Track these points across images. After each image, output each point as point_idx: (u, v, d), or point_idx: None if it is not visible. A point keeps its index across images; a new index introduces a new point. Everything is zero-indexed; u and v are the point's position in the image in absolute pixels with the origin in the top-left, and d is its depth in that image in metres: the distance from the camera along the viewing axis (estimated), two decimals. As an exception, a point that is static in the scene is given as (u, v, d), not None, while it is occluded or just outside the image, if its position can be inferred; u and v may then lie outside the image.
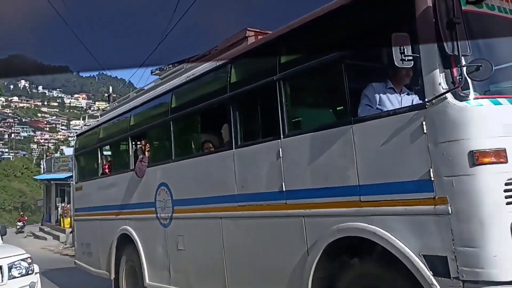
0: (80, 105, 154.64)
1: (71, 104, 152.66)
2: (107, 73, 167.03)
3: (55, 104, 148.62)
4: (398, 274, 3.30)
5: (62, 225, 27.56)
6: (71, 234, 26.62)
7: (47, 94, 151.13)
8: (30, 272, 7.42)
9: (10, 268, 7.17)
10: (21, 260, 7.40)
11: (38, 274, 7.68)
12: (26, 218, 31.80)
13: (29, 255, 7.63)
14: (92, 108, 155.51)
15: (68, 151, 30.46)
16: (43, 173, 33.34)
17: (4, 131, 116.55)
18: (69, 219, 27.07)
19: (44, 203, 32.99)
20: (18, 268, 7.30)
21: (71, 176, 28.40)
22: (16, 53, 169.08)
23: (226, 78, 5.12)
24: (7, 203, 41.88)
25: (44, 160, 35.29)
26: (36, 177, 38.96)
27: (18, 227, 31.26)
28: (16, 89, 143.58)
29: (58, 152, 41.05)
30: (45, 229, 29.46)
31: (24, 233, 30.74)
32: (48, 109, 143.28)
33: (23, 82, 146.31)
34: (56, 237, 26.78)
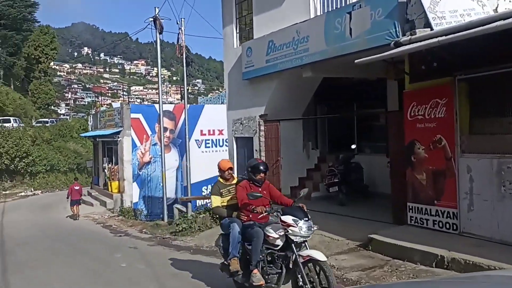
0: (139, 71, 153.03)
1: (131, 71, 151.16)
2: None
3: (116, 70, 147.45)
4: None
5: (109, 189, 22.86)
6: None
7: (108, 61, 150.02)
8: None
9: None
10: None
11: None
12: None
13: None
14: (150, 74, 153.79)
15: (116, 105, 25.53)
16: (90, 130, 28.86)
17: (70, 98, 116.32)
18: (117, 182, 22.33)
19: (93, 164, 28.65)
20: None
21: (118, 132, 23.72)
22: (79, 21, 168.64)
23: None
24: (61, 164, 38.19)
25: (90, 115, 30.83)
26: (82, 134, 34.79)
27: None
28: (79, 56, 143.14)
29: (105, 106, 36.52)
30: (92, 194, 25.04)
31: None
32: (110, 76, 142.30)
33: (86, 49, 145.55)
34: (103, 203, 22.18)
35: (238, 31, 13.47)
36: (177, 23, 14.11)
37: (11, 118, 39.27)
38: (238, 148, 13.67)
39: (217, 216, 6.88)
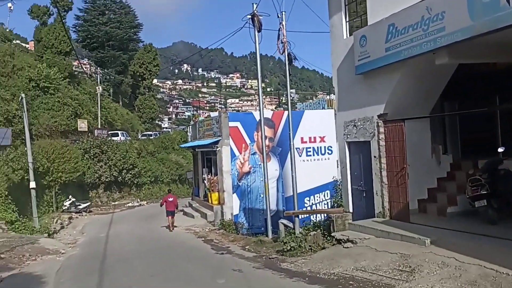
0: (235, 84, 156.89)
1: (227, 84, 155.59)
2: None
3: (213, 84, 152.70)
4: None
5: (209, 200, 22.09)
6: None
7: (206, 75, 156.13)
8: None
9: None
10: None
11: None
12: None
13: None
14: (245, 86, 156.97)
15: (213, 114, 24.91)
16: (190, 141, 28.66)
17: (171, 112, 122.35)
18: (216, 193, 21.48)
19: (193, 175, 28.36)
20: None
21: (217, 142, 22.95)
22: (178, 41, 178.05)
23: None
24: (165, 176, 39.09)
25: (189, 126, 30.74)
26: (181, 145, 34.96)
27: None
28: (180, 73, 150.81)
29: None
30: (193, 205, 24.55)
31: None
32: (208, 90, 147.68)
33: (185, 66, 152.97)
34: (204, 215, 21.44)
35: (347, 20, 11.62)
36: (278, 17, 12.71)
37: (119, 132, 41.13)
38: (351, 154, 11.72)
39: None
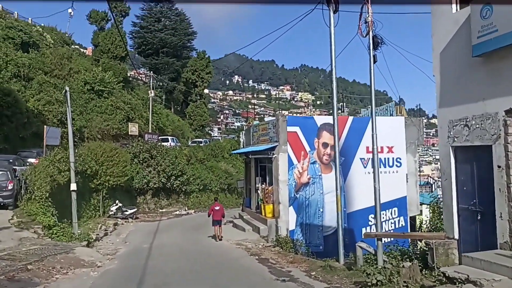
0: (285, 96, 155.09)
1: (277, 96, 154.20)
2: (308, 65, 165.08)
3: (263, 96, 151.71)
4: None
5: (262, 213, 19.64)
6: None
7: (256, 87, 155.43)
8: None
9: None
10: None
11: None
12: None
13: None
14: (295, 99, 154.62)
15: (268, 118, 22.52)
16: (242, 147, 26.36)
17: (221, 121, 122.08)
18: (271, 205, 19.01)
19: (244, 184, 26.03)
20: None
21: (273, 148, 20.53)
22: (230, 53, 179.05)
23: None
24: (213, 184, 37.08)
25: (242, 132, 28.48)
26: (233, 151, 32.79)
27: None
28: (231, 84, 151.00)
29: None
30: (244, 217, 22.16)
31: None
32: (257, 101, 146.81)
33: (236, 77, 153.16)
34: (256, 229, 19.00)
35: (458, -11, 8.89)
36: (365, -12, 10.21)
37: (169, 138, 39.88)
38: (458, 163, 8.88)
39: None
